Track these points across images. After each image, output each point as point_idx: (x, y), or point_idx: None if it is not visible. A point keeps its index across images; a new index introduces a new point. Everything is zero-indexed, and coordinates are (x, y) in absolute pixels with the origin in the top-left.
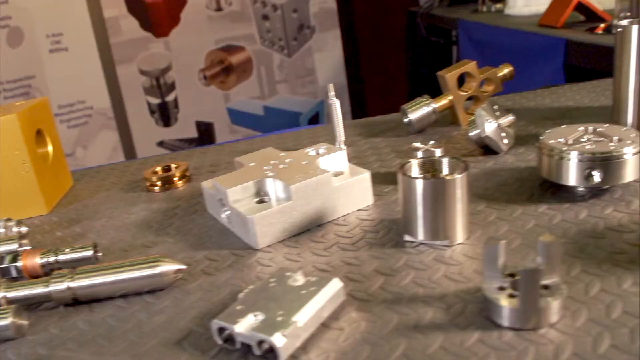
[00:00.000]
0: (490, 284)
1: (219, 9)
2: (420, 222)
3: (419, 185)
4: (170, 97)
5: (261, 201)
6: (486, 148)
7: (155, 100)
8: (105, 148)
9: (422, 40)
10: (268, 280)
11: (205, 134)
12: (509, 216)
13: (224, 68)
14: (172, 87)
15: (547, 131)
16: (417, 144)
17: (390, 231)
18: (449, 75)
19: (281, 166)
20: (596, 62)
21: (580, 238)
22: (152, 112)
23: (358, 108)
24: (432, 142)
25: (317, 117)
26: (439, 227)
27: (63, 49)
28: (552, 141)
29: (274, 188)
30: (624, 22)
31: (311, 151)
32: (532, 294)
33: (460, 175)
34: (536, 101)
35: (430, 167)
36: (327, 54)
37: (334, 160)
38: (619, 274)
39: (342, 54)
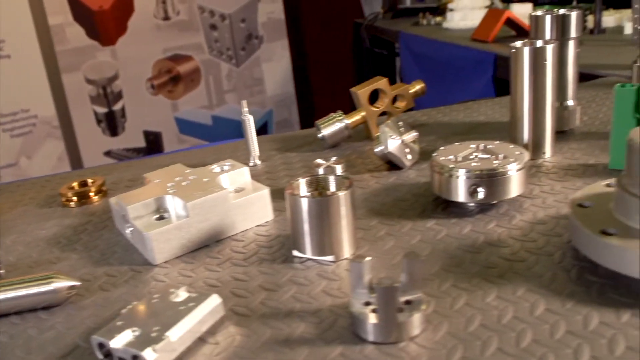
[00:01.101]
0: (357, 299)
1: (166, 18)
2: (307, 238)
3: (304, 203)
4: (117, 107)
5: (161, 217)
6: (391, 163)
7: (102, 110)
8: (51, 157)
9: (366, 51)
10: (152, 297)
11: (153, 144)
12: (397, 232)
13: (172, 77)
14: (119, 96)
15: (440, 148)
16: (319, 160)
17: (282, 247)
18: (361, 92)
19: (184, 183)
20: None
21: (459, 253)
22: (98, 122)
23: (307, 118)
24: (333, 159)
25: (266, 126)
26: (324, 243)
27: (5, 56)
28: (443, 158)
29: (173, 205)
30: (517, 44)
31: (215, 168)
32: (389, 309)
33: (343, 193)
34: (451, 116)
35: (317, 185)
36: (276, 64)
37: (236, 176)
38: (486, 288)
39: (291, 64)
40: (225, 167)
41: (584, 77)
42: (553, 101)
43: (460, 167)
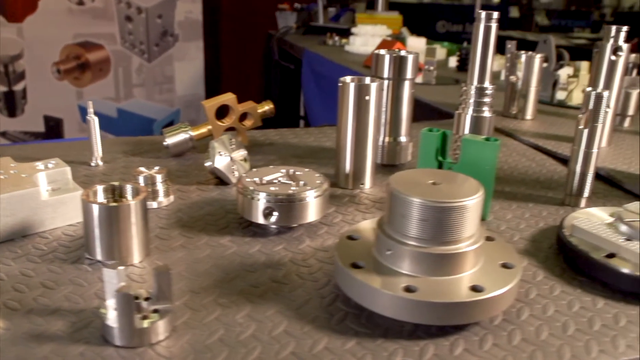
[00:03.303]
0: (109, 304)
1: (80, 2)
2: (97, 242)
3: (95, 209)
4: (18, 87)
5: None
6: (220, 178)
7: (1, 88)
8: None
9: (275, 63)
10: None
11: (53, 130)
12: (191, 244)
13: (80, 64)
14: (21, 76)
15: (252, 170)
16: (141, 168)
17: (81, 248)
18: (208, 106)
19: (2, 177)
20: None
21: (236, 270)
22: None
23: None
24: (156, 168)
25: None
26: (113, 248)
27: None
28: (248, 180)
29: None
30: (347, 79)
31: (40, 165)
32: (126, 315)
33: (134, 202)
34: (301, 138)
35: (114, 192)
36: (188, 64)
37: (56, 175)
38: (242, 306)
39: (203, 66)
40: (50, 165)
41: (447, 115)
42: (375, 135)
43: (259, 190)
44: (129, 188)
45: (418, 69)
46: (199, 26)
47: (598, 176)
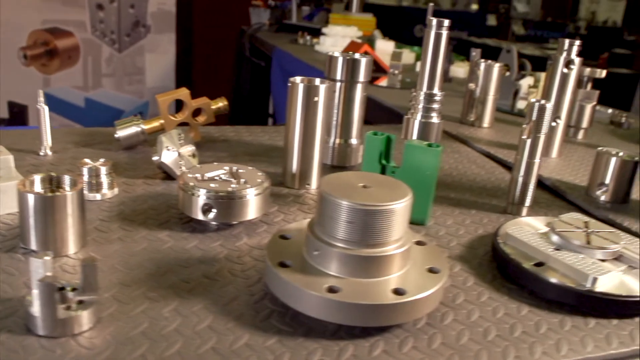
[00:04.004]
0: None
1: None
2: (31, 232)
3: (30, 199)
4: None
5: None
6: (167, 173)
7: None
8: None
9: (246, 59)
10: None
11: (18, 116)
12: (129, 237)
13: (48, 51)
14: None
15: (196, 165)
16: (86, 160)
17: (17, 237)
18: (161, 100)
19: None
20: None
21: (170, 265)
22: None
23: None
24: (101, 160)
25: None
26: (48, 238)
27: None
28: (190, 176)
29: None
30: (297, 79)
31: None
32: (48, 305)
33: (70, 193)
34: (256, 136)
35: (52, 183)
36: (159, 56)
37: None
38: (170, 300)
39: (175, 59)
40: None
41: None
42: (323, 136)
43: (199, 187)
44: (66, 179)
45: (372, 72)
46: (172, 18)
47: (544, 186)
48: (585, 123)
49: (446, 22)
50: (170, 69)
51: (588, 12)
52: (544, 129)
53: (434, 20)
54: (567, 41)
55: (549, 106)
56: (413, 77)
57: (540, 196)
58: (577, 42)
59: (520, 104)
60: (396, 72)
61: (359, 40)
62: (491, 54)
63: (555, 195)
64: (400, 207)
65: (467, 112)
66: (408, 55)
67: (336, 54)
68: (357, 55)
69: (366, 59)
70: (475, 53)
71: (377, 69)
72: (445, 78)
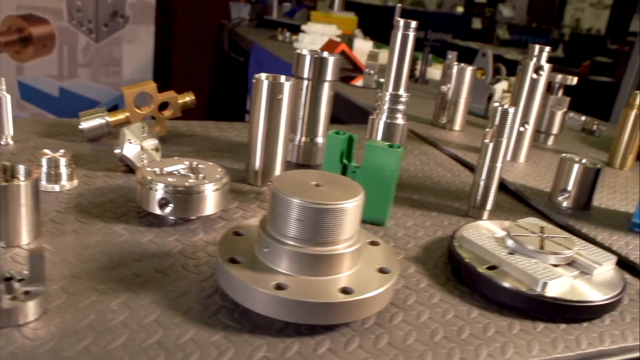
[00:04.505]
0: None
1: None
2: None
3: None
4: None
5: None
6: (129, 166)
7: None
8: None
9: (225, 54)
10: None
11: None
12: (84, 230)
13: (22, 38)
14: None
15: (156, 160)
16: (45, 150)
17: None
18: (127, 93)
19: None
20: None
21: (123, 258)
22: None
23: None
24: (61, 151)
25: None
26: (0, 228)
27: None
28: (149, 169)
29: None
30: (262, 76)
31: None
32: None
33: (24, 183)
34: (224, 132)
35: (8, 172)
36: (138, 47)
37: None
38: (119, 294)
39: (153, 51)
40: None
41: None
42: (286, 134)
43: (157, 181)
44: (21, 169)
45: (350, 71)
46: (152, 10)
47: (508, 191)
48: (555, 129)
49: (413, 24)
50: (148, 61)
51: (573, 19)
52: (507, 133)
53: (401, 22)
54: (537, 47)
55: (512, 111)
56: None
57: (504, 200)
58: (547, 49)
59: None
60: (372, 72)
61: (338, 39)
62: (475, 57)
63: (519, 200)
64: (350, 207)
65: (439, 115)
66: (385, 56)
67: (304, 51)
68: (325, 54)
69: (334, 58)
70: (451, 56)
71: (355, 68)
72: (422, 80)
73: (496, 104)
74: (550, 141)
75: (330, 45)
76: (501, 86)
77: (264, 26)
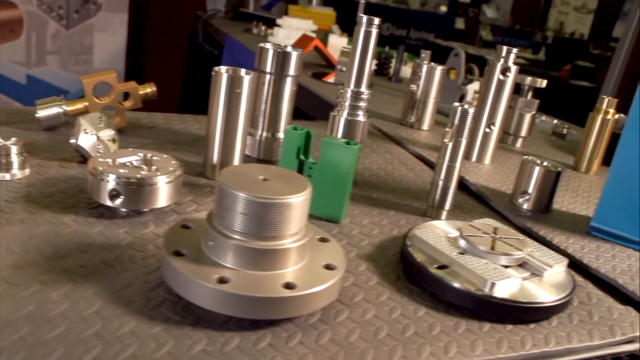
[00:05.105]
0: None
1: None
2: None
3: None
4: None
5: None
6: (84, 157)
7: None
8: None
9: (199, 46)
10: None
11: None
12: (31, 219)
13: None
14: None
15: (110, 150)
16: None
17: None
18: (86, 82)
19: None
20: (303, 103)
21: (69, 249)
22: None
23: None
24: (13, 139)
25: None
26: None
27: None
28: (101, 160)
29: None
30: (222, 69)
31: None
32: None
33: None
34: (186, 125)
35: None
36: (110, 36)
37: None
38: (62, 284)
39: (126, 40)
40: None
41: None
42: (245, 128)
43: (109, 172)
44: None
45: (302, 66)
46: None
47: (470, 191)
48: (524, 132)
49: (376, 20)
50: (120, 50)
51: (557, 23)
52: (466, 133)
53: (364, 18)
54: (504, 48)
55: (472, 111)
56: None
57: (465, 201)
58: (515, 50)
59: None
60: (344, 68)
61: (314, 35)
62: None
63: (480, 202)
64: (296, 202)
65: (407, 114)
66: None
67: (267, 45)
68: (288, 49)
69: (297, 53)
70: (424, 55)
71: (328, 64)
72: (396, 79)
73: (456, 104)
74: (519, 143)
75: (303, 41)
76: (473, 87)
77: (240, 19)
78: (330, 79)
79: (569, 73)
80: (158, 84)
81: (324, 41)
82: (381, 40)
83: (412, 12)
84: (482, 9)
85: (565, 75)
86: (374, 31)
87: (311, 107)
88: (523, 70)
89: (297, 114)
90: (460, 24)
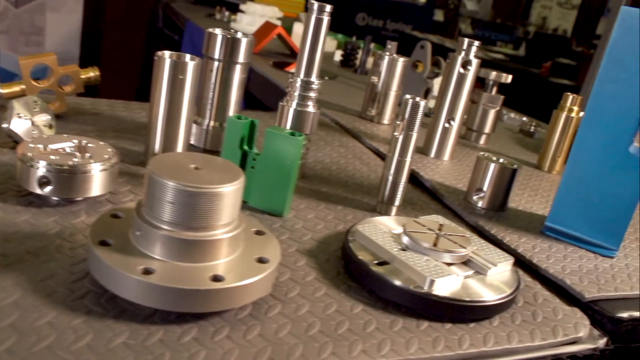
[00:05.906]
0: None
1: None
2: None
3: None
4: None
5: None
6: (17, 142)
7: None
8: None
9: (159, 31)
10: None
11: None
12: None
13: None
14: None
15: (42, 136)
16: None
17: None
18: (23, 63)
19: None
20: (262, 93)
21: None
22: None
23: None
24: None
25: None
26: None
27: None
28: (31, 146)
29: None
30: (165, 54)
31: None
32: None
33: None
34: (132, 112)
35: None
36: (64, 16)
37: None
38: None
39: (81, 22)
40: None
41: None
42: (189, 116)
43: (39, 158)
44: None
45: (251, 54)
46: None
47: (424, 188)
48: (487, 128)
49: (328, 8)
50: (75, 32)
51: (539, 18)
52: (417, 127)
53: (315, 5)
54: (466, 41)
55: (423, 104)
56: (329, 67)
57: (418, 198)
58: (476, 43)
59: (431, 103)
60: None
61: (278, 22)
62: (434, 51)
63: (433, 198)
64: (227, 192)
65: (367, 107)
66: (332, 44)
67: (216, 31)
68: (239, 35)
69: (247, 39)
70: (390, 46)
71: (292, 54)
72: (362, 70)
73: (407, 97)
74: (482, 140)
75: (265, 28)
76: (439, 81)
77: (203, 3)
78: (293, 69)
79: (549, 70)
80: (115, 69)
81: (289, 30)
82: (356, 31)
83: (389, 2)
84: (462, 1)
85: (545, 72)
86: (325, 19)
87: (270, 98)
88: (500, 66)
89: (256, 104)
90: (439, 16)
